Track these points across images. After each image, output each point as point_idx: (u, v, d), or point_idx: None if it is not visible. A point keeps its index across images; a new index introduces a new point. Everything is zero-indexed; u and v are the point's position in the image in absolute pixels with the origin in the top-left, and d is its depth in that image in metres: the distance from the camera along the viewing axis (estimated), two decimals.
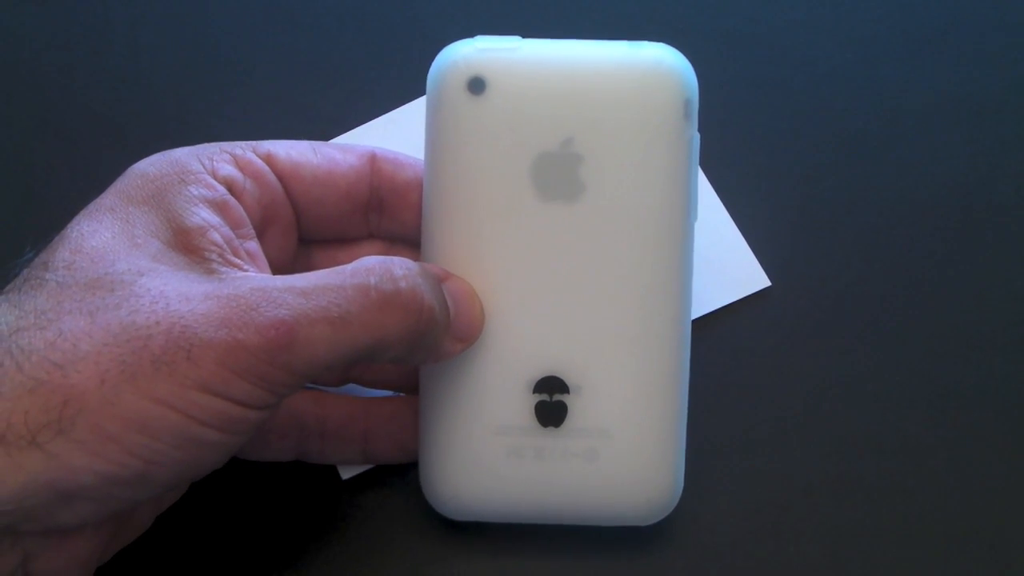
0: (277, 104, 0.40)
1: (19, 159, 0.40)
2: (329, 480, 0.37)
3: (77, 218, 0.30)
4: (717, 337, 0.38)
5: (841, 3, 0.41)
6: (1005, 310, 0.38)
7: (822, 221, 0.39)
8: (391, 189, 0.34)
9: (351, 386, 0.36)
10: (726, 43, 0.41)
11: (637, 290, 0.33)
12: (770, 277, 0.38)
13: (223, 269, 0.29)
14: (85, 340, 0.27)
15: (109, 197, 0.31)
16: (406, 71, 0.40)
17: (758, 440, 0.37)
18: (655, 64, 0.32)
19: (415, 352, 0.31)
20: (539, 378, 0.33)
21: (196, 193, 0.30)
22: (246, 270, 0.30)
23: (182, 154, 0.32)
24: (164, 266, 0.29)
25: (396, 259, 0.30)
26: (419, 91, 0.37)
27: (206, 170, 0.31)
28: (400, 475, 0.36)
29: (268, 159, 0.33)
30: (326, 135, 0.40)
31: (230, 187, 0.32)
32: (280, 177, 0.33)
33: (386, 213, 0.35)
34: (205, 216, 0.30)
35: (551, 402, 0.33)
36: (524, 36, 0.33)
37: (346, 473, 0.37)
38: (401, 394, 0.36)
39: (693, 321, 0.35)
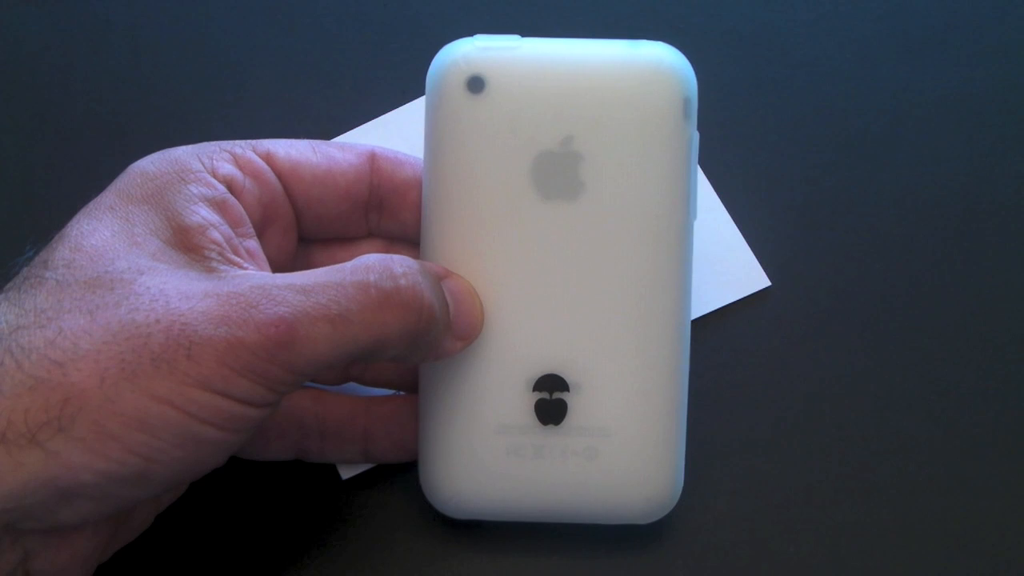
0: (277, 104, 0.40)
1: (19, 159, 0.40)
2: (329, 480, 0.37)
3: (77, 217, 0.30)
4: (717, 337, 0.38)
5: (841, 3, 0.41)
6: (1005, 310, 0.38)
7: (822, 221, 0.39)
8: (391, 188, 0.34)
9: (351, 385, 0.36)
10: (726, 43, 0.41)
11: (637, 288, 0.33)
12: (770, 277, 0.38)
13: (223, 267, 0.29)
14: (85, 338, 0.27)
15: (109, 196, 0.31)
16: (406, 71, 0.40)
17: (758, 440, 0.37)
18: (655, 63, 0.32)
19: (415, 350, 0.31)
20: (539, 376, 0.33)
21: (196, 192, 0.30)
22: (246, 268, 0.30)
23: (182, 153, 0.32)
24: (164, 264, 0.29)
25: (396, 257, 0.30)
26: (419, 91, 0.37)
27: (206, 169, 0.31)
28: (400, 474, 0.36)
29: (268, 158, 0.33)
30: (326, 135, 0.40)
31: (230, 186, 0.32)
32: (280, 176, 0.33)
33: (386, 212, 0.35)
34: (205, 214, 0.30)
35: (551, 400, 0.33)
36: (524, 35, 0.33)
37: (346, 473, 0.37)
38: (401, 393, 0.36)
39: (693, 321, 0.35)
